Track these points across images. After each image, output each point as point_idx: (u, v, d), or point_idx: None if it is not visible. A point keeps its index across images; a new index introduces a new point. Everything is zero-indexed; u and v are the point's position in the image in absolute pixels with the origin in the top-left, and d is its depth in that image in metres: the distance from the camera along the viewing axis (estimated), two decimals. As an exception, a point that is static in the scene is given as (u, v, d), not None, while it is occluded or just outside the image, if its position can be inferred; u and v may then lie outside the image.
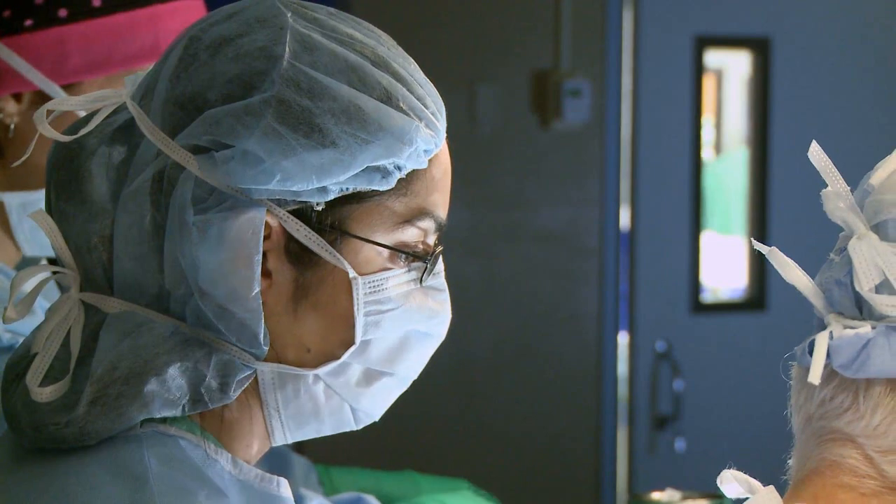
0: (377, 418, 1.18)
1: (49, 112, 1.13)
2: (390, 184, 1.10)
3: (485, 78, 4.15)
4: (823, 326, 1.16)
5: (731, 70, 4.89)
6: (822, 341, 1.12)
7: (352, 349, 1.11)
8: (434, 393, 4.01)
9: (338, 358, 1.11)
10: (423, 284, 1.14)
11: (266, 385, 1.11)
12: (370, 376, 1.14)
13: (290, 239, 1.09)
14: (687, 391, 4.51)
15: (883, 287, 1.12)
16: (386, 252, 1.12)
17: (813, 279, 1.18)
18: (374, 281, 1.11)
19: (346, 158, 1.07)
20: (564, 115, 4.18)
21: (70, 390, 1.07)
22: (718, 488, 1.16)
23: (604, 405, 4.34)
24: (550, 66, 4.21)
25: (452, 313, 1.19)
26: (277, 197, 1.08)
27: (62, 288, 1.15)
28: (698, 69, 4.51)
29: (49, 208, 1.14)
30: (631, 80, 4.38)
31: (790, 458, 1.22)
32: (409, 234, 1.13)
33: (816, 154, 1.20)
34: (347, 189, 1.09)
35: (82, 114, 1.16)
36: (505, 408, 4.21)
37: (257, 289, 1.08)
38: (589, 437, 4.32)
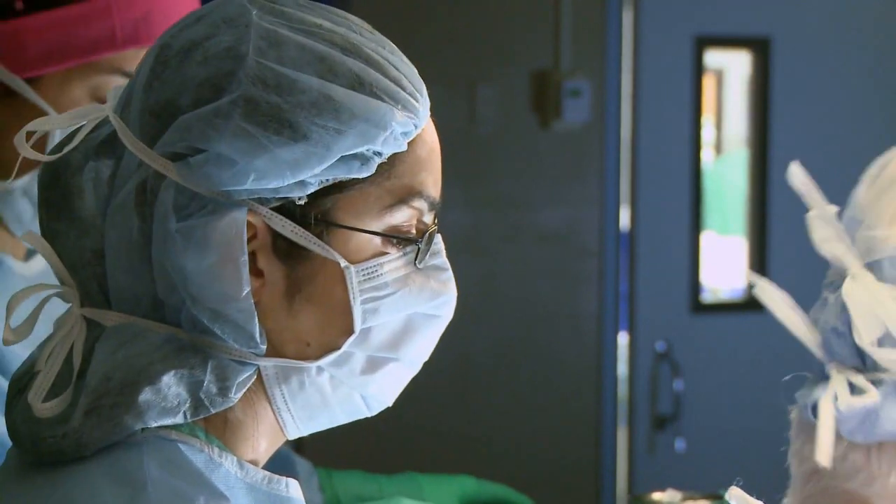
0: (390, 404, 1.17)
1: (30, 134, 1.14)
2: (371, 170, 1.10)
3: (485, 78, 4.14)
4: (823, 369, 1.11)
5: (731, 70, 4.89)
6: (826, 414, 1.04)
7: (351, 338, 1.11)
8: (434, 393, 4.01)
9: (338, 348, 1.11)
10: (423, 265, 1.14)
11: (270, 381, 1.11)
12: (374, 363, 1.13)
13: (276, 236, 1.09)
14: (687, 391, 4.51)
15: (886, 340, 1.05)
16: (378, 238, 1.11)
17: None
18: (367, 268, 1.10)
19: (319, 151, 1.07)
20: (564, 115, 4.18)
21: (69, 404, 1.07)
22: (718, 488, 1.15)
23: (604, 405, 4.34)
24: (550, 66, 4.21)
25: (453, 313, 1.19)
26: (258, 196, 1.08)
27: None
28: (698, 69, 4.51)
29: (42, 227, 1.14)
30: (631, 80, 4.38)
31: (785, 499, 1.17)
32: (400, 217, 1.12)
33: (797, 176, 1.13)
34: (328, 180, 1.09)
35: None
36: (505, 408, 4.21)
37: (247, 289, 1.07)
38: (589, 437, 4.32)
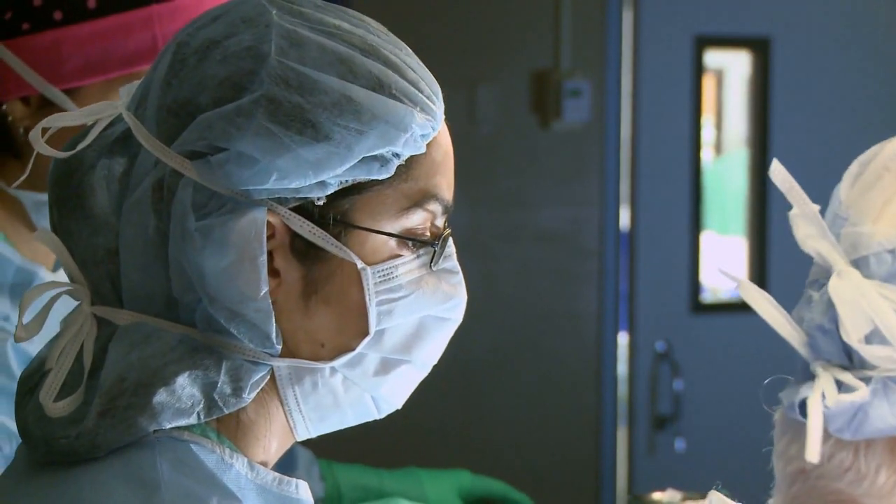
0: (399, 406, 1.18)
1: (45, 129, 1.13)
2: (389, 172, 1.10)
3: (485, 78, 4.14)
4: (808, 368, 1.09)
5: (731, 70, 4.89)
6: (815, 411, 1.02)
7: (366, 340, 1.11)
8: (434, 393, 4.00)
9: (353, 349, 1.11)
10: (435, 268, 1.14)
11: (283, 381, 1.11)
12: (387, 365, 1.13)
13: (294, 236, 1.09)
14: (687, 391, 4.51)
15: (874, 336, 1.03)
16: (393, 240, 1.11)
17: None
18: (383, 270, 1.11)
19: (341, 151, 1.07)
20: (564, 115, 4.18)
21: (81, 403, 1.07)
22: (719, 488, 1.14)
23: (604, 405, 4.34)
24: (550, 66, 4.21)
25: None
26: (278, 195, 1.08)
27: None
28: (698, 69, 4.51)
29: (53, 225, 1.14)
30: (631, 80, 4.38)
31: (770, 500, 1.15)
32: (416, 219, 1.12)
33: (780, 174, 1.13)
34: (347, 181, 1.09)
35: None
36: (505, 408, 4.21)
37: (265, 289, 1.07)
38: (589, 437, 4.32)
